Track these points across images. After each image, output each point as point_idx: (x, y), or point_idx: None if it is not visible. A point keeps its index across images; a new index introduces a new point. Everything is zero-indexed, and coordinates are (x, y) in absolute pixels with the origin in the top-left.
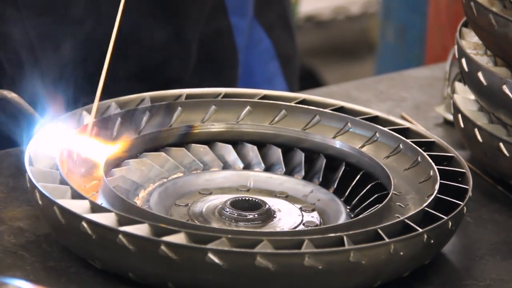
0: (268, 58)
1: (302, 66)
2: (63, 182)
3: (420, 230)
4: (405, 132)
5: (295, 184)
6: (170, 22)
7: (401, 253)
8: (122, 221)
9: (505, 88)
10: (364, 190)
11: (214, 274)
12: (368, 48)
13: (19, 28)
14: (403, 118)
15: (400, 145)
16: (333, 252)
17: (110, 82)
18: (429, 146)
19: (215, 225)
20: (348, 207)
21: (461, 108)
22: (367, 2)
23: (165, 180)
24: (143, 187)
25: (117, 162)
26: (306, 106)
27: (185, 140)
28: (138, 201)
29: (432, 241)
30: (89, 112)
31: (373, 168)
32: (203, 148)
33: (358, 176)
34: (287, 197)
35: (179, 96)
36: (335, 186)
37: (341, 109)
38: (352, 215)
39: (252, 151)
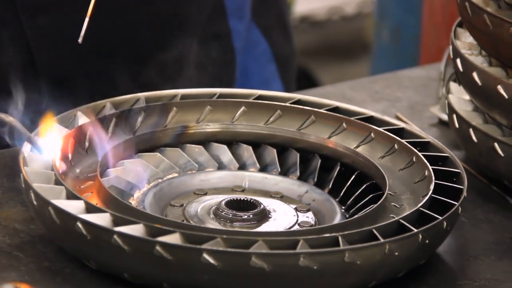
0: (265, 61)
1: (297, 66)
2: (58, 182)
3: (415, 230)
4: (400, 132)
5: (290, 184)
6: (170, 24)
7: (396, 253)
8: (117, 222)
9: (499, 88)
10: (359, 190)
11: (209, 274)
12: (363, 48)
13: (17, 29)
14: (398, 118)
15: (395, 145)
16: (328, 252)
17: (107, 83)
18: (424, 146)
19: (210, 225)
20: (343, 207)
21: (456, 108)
22: (362, 2)
23: (160, 180)
24: (138, 188)
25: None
26: (301, 107)
27: (180, 140)
28: (133, 202)
29: (427, 241)
30: (84, 112)
31: (368, 168)
32: (198, 149)
33: (353, 176)
34: (282, 197)
35: (174, 96)
36: (330, 186)
37: (336, 109)
38: (347, 215)
39: (247, 151)
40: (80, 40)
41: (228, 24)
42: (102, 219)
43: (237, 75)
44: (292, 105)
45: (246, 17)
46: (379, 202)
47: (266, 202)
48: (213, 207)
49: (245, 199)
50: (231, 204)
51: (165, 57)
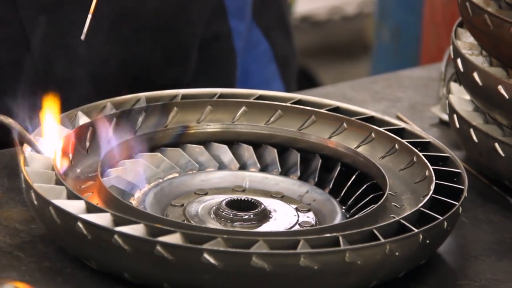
0: (266, 61)
1: (298, 66)
2: (58, 182)
3: (416, 230)
4: (401, 132)
5: (291, 185)
6: (170, 26)
7: (397, 253)
8: (117, 221)
9: (500, 88)
10: (360, 191)
11: (210, 274)
12: (364, 48)
13: (17, 28)
14: (398, 118)
15: (396, 145)
16: (329, 252)
17: (107, 84)
18: (424, 146)
19: (210, 225)
20: (343, 207)
21: (457, 108)
22: (362, 2)
23: (160, 180)
24: (139, 188)
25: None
26: (301, 107)
27: (180, 140)
28: (134, 202)
29: (428, 241)
30: (84, 112)
31: (368, 168)
32: (198, 149)
33: (354, 177)
34: (283, 197)
35: (175, 96)
36: (330, 186)
37: (336, 109)
38: (348, 215)
39: (247, 151)
40: (82, 37)
41: (229, 25)
42: (102, 219)
43: (238, 75)
44: (293, 105)
45: (246, 17)
46: (379, 202)
47: (267, 202)
48: (214, 207)
49: (246, 199)
50: (231, 204)
51: (166, 58)
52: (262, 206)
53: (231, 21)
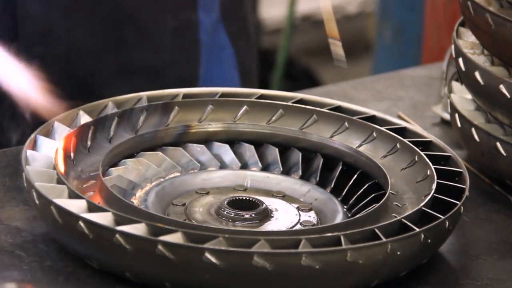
0: (229, 66)
1: (299, 65)
2: (60, 181)
3: (417, 229)
4: (402, 131)
5: (292, 184)
6: (141, 11)
7: (398, 253)
8: (119, 221)
9: (502, 88)
10: (361, 190)
11: (211, 273)
12: (365, 48)
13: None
14: (400, 117)
15: (397, 144)
16: (330, 251)
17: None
18: (426, 145)
19: (212, 224)
20: (345, 207)
21: (458, 107)
22: (364, 1)
23: (162, 179)
24: (140, 187)
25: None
26: (303, 106)
27: (182, 139)
28: (135, 201)
29: (429, 240)
30: (86, 112)
31: (370, 168)
32: (200, 148)
33: (355, 176)
34: (284, 196)
35: (176, 95)
36: (332, 186)
37: (338, 109)
38: (349, 215)
39: (249, 150)
40: None
41: (197, 16)
42: (104, 218)
43: (201, 72)
44: (294, 104)
45: (214, 12)
46: (381, 202)
47: (268, 202)
48: (215, 207)
49: (247, 198)
50: (233, 204)
51: (136, 42)
52: (264, 206)
53: (200, 13)
